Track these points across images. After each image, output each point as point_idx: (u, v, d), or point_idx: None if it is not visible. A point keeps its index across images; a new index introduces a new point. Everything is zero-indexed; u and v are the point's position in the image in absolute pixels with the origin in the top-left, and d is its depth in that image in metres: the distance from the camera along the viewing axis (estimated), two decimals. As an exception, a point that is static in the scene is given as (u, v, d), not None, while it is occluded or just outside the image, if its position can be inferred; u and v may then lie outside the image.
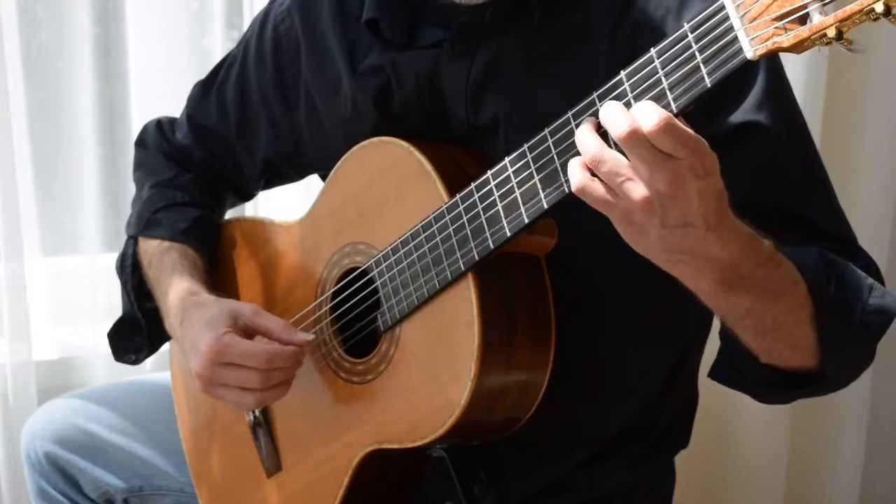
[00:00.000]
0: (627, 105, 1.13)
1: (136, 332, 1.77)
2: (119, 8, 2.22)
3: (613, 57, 1.35)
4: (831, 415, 2.58)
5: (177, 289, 1.62)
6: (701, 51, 1.08)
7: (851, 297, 1.32)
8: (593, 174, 1.14)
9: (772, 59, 1.38)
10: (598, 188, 1.14)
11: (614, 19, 1.41)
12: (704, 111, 1.31)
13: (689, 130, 1.09)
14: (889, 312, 1.34)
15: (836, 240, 1.39)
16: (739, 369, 1.38)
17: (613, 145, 1.13)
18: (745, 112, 1.37)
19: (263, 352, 1.47)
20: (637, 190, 1.11)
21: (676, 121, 1.08)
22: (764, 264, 1.21)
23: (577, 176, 1.15)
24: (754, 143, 1.37)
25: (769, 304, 1.24)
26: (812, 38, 0.99)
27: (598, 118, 1.14)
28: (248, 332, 1.52)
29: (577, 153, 1.20)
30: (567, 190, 1.22)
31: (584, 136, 1.15)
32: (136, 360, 1.82)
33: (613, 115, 1.11)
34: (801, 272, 1.27)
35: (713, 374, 1.45)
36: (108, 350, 1.83)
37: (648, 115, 1.08)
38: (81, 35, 2.21)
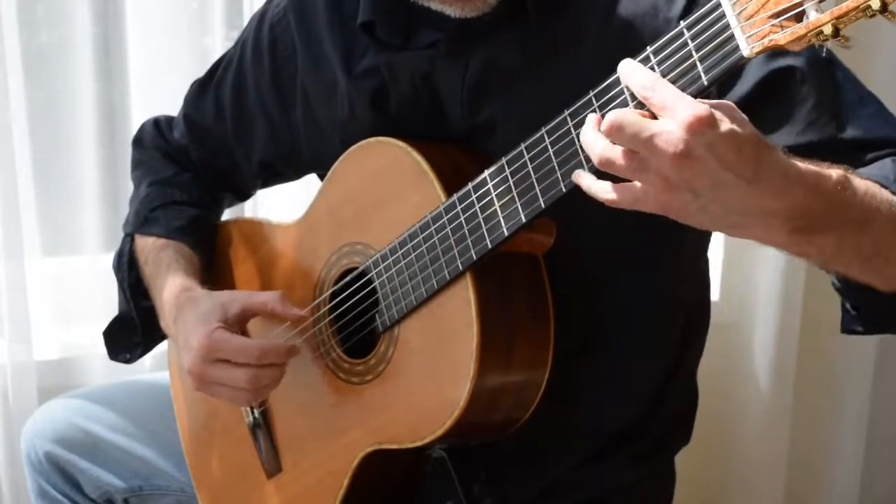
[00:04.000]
0: (625, 103, 1.13)
1: (132, 331, 1.77)
2: (119, 8, 2.22)
3: (606, 53, 1.35)
4: (831, 415, 2.58)
5: (171, 286, 1.62)
6: (697, 49, 1.08)
7: None
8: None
9: None
10: (624, 193, 1.11)
11: (602, 16, 1.40)
12: (720, 85, 1.29)
13: (666, 90, 1.06)
14: None
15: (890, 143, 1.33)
16: (868, 311, 1.31)
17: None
18: (759, 66, 1.33)
19: (255, 347, 1.47)
20: (650, 176, 1.08)
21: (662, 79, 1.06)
22: (838, 198, 1.14)
23: (602, 190, 1.13)
24: (782, 87, 1.33)
25: (860, 232, 1.17)
26: (808, 35, 0.99)
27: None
28: (242, 320, 1.52)
29: (574, 151, 1.20)
30: (564, 189, 1.22)
31: (588, 135, 1.12)
32: (131, 359, 1.81)
33: (585, 134, 1.11)
34: (884, 186, 1.22)
35: (845, 329, 1.36)
36: (106, 349, 1.84)
37: (635, 75, 1.07)
38: (81, 35, 2.21)
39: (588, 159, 1.17)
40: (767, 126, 1.29)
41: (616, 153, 1.09)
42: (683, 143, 1.04)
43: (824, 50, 0.98)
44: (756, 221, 1.11)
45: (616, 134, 1.07)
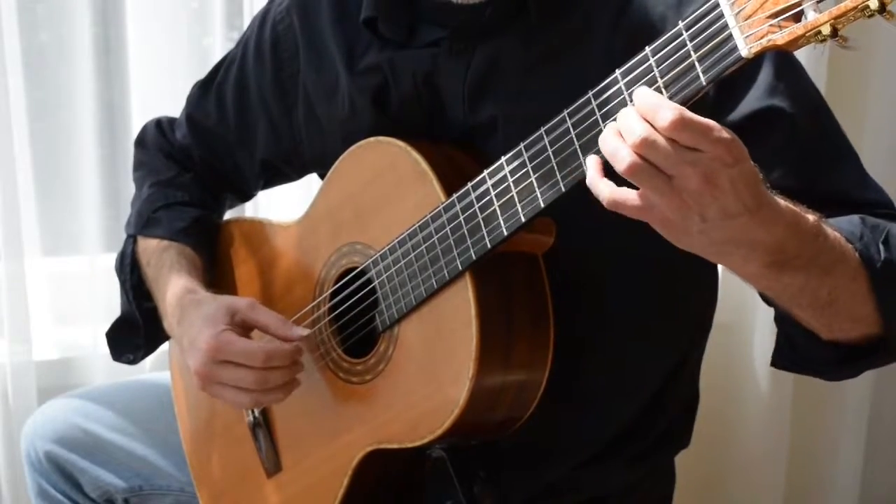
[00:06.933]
0: (623, 102, 1.13)
1: (135, 332, 1.77)
2: (119, 8, 2.22)
3: (612, 56, 1.35)
4: (831, 414, 2.58)
5: (175, 287, 1.62)
6: (696, 49, 1.08)
7: None
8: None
9: None
10: (630, 199, 1.11)
11: (612, 18, 1.41)
12: (716, 103, 1.31)
13: (705, 119, 1.06)
14: None
15: (873, 205, 1.36)
16: (802, 352, 1.35)
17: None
18: (757, 98, 1.36)
19: (261, 350, 1.47)
20: (668, 193, 1.08)
21: (689, 112, 1.06)
22: (811, 240, 1.19)
23: (605, 191, 1.12)
24: (772, 128, 1.35)
25: (822, 278, 1.21)
26: (807, 35, 0.99)
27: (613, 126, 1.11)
28: (246, 327, 1.52)
29: (573, 151, 1.20)
30: (563, 188, 1.22)
31: (611, 142, 1.11)
32: (134, 360, 1.82)
33: (628, 120, 1.09)
34: (850, 241, 1.25)
35: (775, 363, 1.41)
36: (108, 349, 1.83)
37: (661, 111, 1.05)
38: (81, 35, 2.22)
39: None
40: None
41: (645, 165, 1.09)
42: (711, 171, 1.06)
43: (822, 51, 0.98)
44: (741, 251, 1.15)
45: (646, 147, 1.07)
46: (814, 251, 1.19)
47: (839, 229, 1.26)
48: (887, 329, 1.29)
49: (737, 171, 1.07)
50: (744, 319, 2.47)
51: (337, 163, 1.54)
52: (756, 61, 1.29)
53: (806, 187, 1.32)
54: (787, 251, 1.16)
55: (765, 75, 1.36)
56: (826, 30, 0.98)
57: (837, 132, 1.42)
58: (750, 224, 1.11)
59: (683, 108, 1.06)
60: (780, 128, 1.36)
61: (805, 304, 1.24)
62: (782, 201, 1.16)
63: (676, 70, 1.10)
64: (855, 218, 1.31)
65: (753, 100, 1.35)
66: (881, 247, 1.27)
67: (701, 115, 1.08)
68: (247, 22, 2.20)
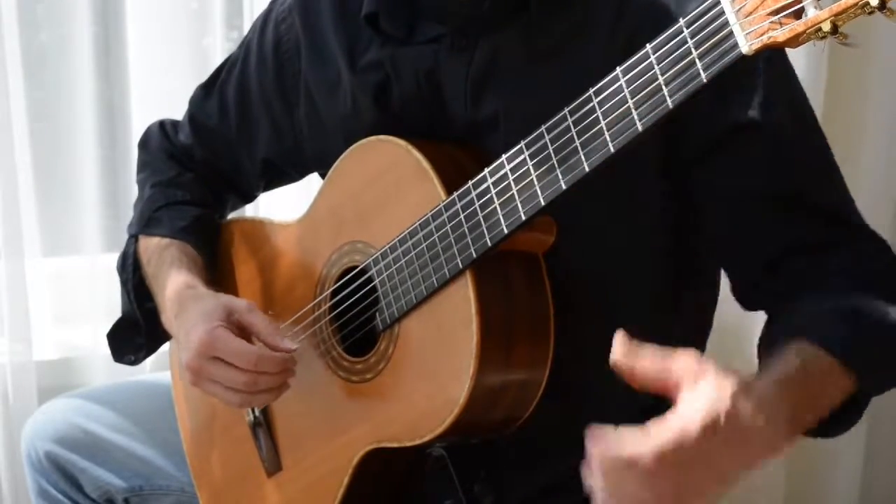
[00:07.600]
0: (624, 100, 1.13)
1: (136, 333, 1.77)
2: (119, 8, 2.23)
3: (613, 54, 1.35)
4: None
5: (174, 283, 1.62)
6: (696, 46, 1.08)
7: (884, 343, 1.33)
8: None
9: (775, 53, 1.38)
10: None
11: (613, 14, 1.41)
12: (709, 111, 1.31)
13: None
14: None
15: (844, 224, 1.38)
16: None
17: None
18: (748, 109, 1.36)
19: (252, 353, 1.47)
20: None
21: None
22: (804, 389, 1.21)
23: None
24: (759, 140, 1.36)
25: (821, 409, 1.26)
26: (807, 32, 1.00)
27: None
28: (243, 328, 1.52)
29: (574, 149, 1.20)
30: (564, 186, 1.23)
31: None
32: (136, 361, 1.81)
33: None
34: (833, 355, 1.26)
35: None
36: (109, 350, 1.83)
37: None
38: (81, 35, 2.22)
39: (588, 156, 1.18)
40: (736, 169, 1.34)
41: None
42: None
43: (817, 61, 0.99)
44: (763, 454, 1.18)
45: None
46: (808, 392, 1.22)
47: (818, 339, 1.26)
48: (861, 386, 1.32)
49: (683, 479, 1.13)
50: (744, 320, 2.46)
51: (338, 162, 1.54)
52: (752, 72, 1.31)
53: (782, 195, 1.34)
54: (796, 408, 1.19)
55: (759, 86, 1.36)
56: (826, 27, 0.98)
57: (827, 149, 1.43)
58: (751, 452, 1.17)
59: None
60: (766, 139, 1.36)
61: (811, 421, 1.26)
62: (768, 378, 1.19)
63: (677, 67, 1.10)
64: (829, 316, 1.31)
65: (746, 110, 1.35)
66: (873, 344, 1.31)
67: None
68: (247, 22, 2.21)
